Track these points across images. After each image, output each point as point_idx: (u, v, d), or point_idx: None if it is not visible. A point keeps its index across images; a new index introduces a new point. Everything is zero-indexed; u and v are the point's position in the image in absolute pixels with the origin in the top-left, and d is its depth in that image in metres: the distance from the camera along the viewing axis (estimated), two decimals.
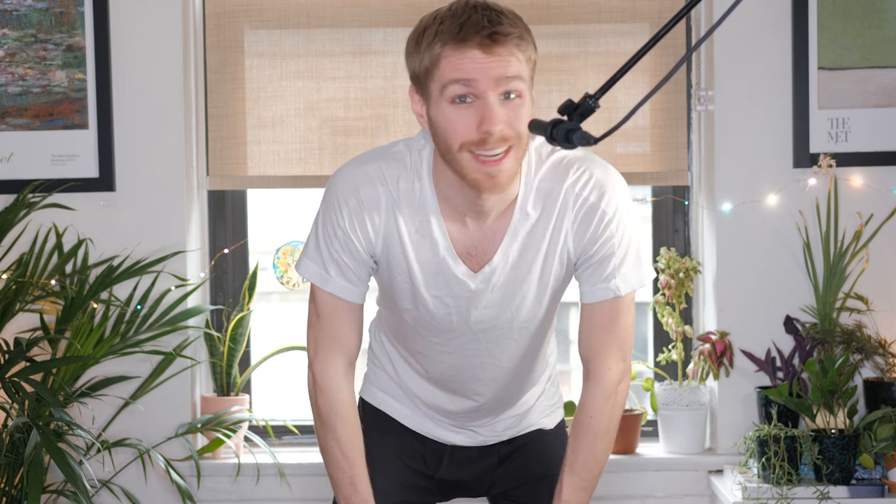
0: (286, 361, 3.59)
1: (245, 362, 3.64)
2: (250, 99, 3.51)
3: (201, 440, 3.55)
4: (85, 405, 3.21)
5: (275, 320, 3.81)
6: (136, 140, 3.45)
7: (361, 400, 2.39)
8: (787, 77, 3.41)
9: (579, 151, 2.09)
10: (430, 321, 2.16)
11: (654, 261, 3.53)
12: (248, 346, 3.61)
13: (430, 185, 2.07)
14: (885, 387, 3.27)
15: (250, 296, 3.52)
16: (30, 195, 3.24)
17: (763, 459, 3.18)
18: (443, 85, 1.95)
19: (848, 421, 3.20)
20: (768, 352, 3.41)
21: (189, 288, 3.39)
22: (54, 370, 3.10)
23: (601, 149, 3.28)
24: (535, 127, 1.86)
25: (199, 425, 3.36)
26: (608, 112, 3.41)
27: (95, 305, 3.23)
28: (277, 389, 3.73)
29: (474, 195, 2.03)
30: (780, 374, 3.37)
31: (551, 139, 1.81)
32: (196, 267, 3.54)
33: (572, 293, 2.20)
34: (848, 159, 3.39)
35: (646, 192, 3.63)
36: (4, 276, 3.18)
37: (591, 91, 2.01)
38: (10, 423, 3.02)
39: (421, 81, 2.00)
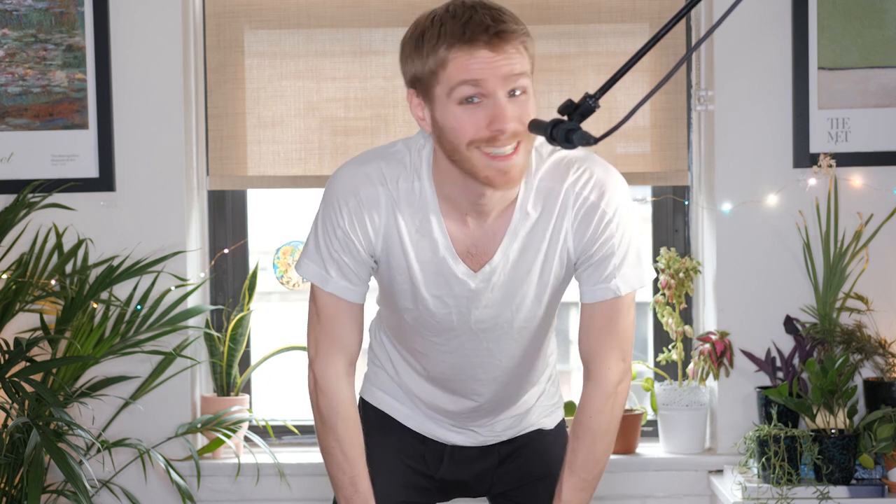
0: (286, 361, 3.59)
1: (245, 362, 3.64)
2: (250, 99, 3.51)
3: (201, 440, 3.55)
4: (85, 405, 3.20)
5: (275, 320, 3.80)
6: (136, 140, 3.45)
7: (362, 400, 2.39)
8: (787, 77, 3.41)
9: (579, 151, 2.09)
10: (430, 321, 2.16)
11: (654, 261, 3.52)
12: (248, 346, 3.61)
13: (429, 185, 2.07)
14: (885, 387, 3.26)
15: (250, 296, 3.52)
16: (30, 195, 3.24)
17: (763, 459, 3.18)
18: (451, 87, 1.94)
19: (848, 421, 3.20)
20: (768, 352, 3.41)
21: (189, 288, 3.39)
22: (54, 370, 3.10)
23: (601, 149, 3.27)
24: (535, 127, 1.86)
25: (199, 425, 3.35)
26: (608, 112, 3.41)
27: (95, 305, 3.23)
28: (277, 389, 3.73)
29: (479, 193, 2.03)
30: (780, 374, 3.37)
31: (551, 139, 1.81)
32: (196, 267, 3.54)
33: (572, 293, 2.20)
34: (848, 159, 3.39)
35: (646, 192, 3.62)
36: (4, 276, 3.17)
37: (591, 91, 2.01)
38: (10, 423, 3.02)
39: (424, 85, 1.99)
